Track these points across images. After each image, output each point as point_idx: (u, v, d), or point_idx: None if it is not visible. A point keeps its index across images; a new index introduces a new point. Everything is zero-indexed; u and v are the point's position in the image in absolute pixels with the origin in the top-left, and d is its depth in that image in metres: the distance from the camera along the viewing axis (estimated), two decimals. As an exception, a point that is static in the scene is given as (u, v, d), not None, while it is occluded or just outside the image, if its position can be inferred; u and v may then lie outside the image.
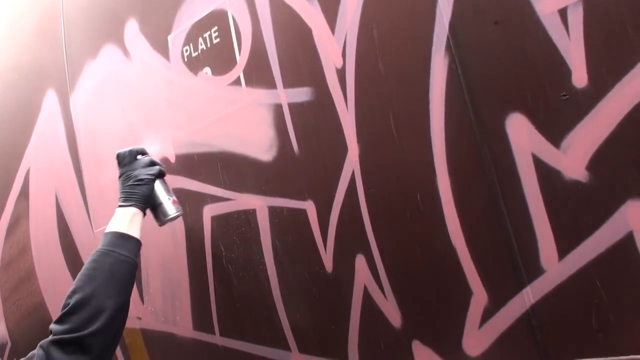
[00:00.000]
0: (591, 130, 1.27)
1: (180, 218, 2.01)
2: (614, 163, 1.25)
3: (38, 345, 1.33)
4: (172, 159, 2.18)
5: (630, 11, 1.22)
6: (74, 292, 1.40)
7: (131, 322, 2.29)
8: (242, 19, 1.93)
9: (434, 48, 1.50)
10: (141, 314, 2.38)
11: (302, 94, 1.78)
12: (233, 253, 2.01)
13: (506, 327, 1.42)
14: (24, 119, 2.99)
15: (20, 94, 3.05)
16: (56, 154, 2.75)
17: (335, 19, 1.69)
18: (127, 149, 1.73)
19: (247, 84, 1.92)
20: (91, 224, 2.59)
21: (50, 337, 1.32)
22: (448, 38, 1.47)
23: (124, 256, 1.47)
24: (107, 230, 1.54)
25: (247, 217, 1.96)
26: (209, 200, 2.06)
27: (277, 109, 1.84)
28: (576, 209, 1.30)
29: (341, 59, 1.68)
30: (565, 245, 1.32)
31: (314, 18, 1.74)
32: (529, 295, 1.38)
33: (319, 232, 1.76)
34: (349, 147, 1.67)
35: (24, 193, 2.99)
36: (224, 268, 2.05)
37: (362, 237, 1.66)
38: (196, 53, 2.08)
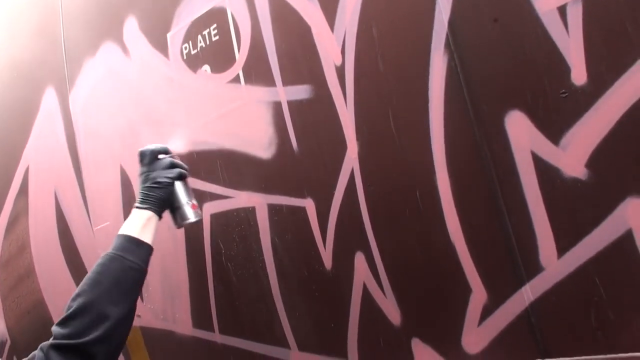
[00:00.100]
0: (590, 127, 1.27)
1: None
2: (613, 160, 1.25)
3: (39, 347, 1.32)
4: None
5: (630, 9, 1.21)
6: (78, 295, 1.38)
7: (131, 320, 2.28)
8: (241, 16, 1.93)
9: (433, 46, 1.50)
10: (141, 312, 2.38)
11: (301, 92, 1.78)
12: (232, 251, 2.01)
13: (505, 325, 1.42)
14: (23, 116, 2.99)
15: (20, 92, 3.05)
16: (55, 151, 2.75)
17: (334, 17, 1.68)
18: (149, 148, 1.67)
19: (246, 81, 1.92)
20: (90, 222, 2.59)
21: (51, 341, 1.31)
22: (447, 35, 1.47)
23: (132, 263, 1.43)
24: (120, 232, 1.51)
25: (247, 215, 1.96)
26: (209, 198, 2.06)
27: (277, 107, 1.84)
28: (575, 207, 1.30)
29: (340, 56, 1.68)
30: (564, 242, 1.32)
31: (313, 15, 1.74)
32: (528, 293, 1.38)
33: (319, 230, 1.76)
34: (348, 144, 1.67)
35: (23, 191, 2.99)
36: (224, 266, 2.05)
37: (362, 234, 1.66)
38: (195, 51, 2.08)
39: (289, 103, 1.81)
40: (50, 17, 2.81)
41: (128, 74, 2.36)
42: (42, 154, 2.88)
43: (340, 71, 1.68)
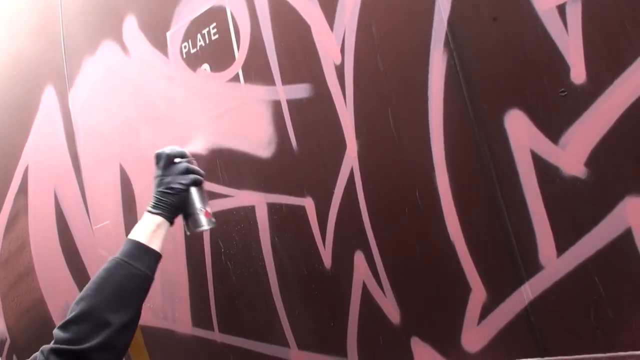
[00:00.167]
0: (590, 126, 1.27)
1: None
2: (612, 159, 1.25)
3: (40, 349, 1.32)
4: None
5: (629, 7, 1.21)
6: (81, 299, 1.37)
7: (130, 319, 2.28)
8: (241, 15, 1.92)
9: (432, 44, 1.50)
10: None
11: (300, 91, 1.78)
12: (232, 250, 2.01)
13: (505, 324, 1.43)
14: (22, 115, 2.98)
15: (19, 91, 3.04)
16: (55, 150, 2.75)
17: (334, 16, 1.68)
18: (165, 151, 1.59)
19: (245, 80, 1.92)
20: (90, 221, 2.59)
21: (52, 345, 1.31)
22: (447, 34, 1.47)
23: (138, 270, 1.40)
24: (129, 236, 1.49)
25: (246, 214, 1.96)
26: (208, 197, 2.06)
27: (276, 106, 1.84)
28: (575, 205, 1.30)
29: (340, 55, 1.68)
30: (564, 241, 1.32)
31: (312, 14, 1.74)
32: (528, 292, 1.38)
33: (318, 229, 1.76)
34: (347, 143, 1.67)
35: (23, 189, 2.99)
36: (223, 265, 2.05)
37: (361, 233, 1.66)
38: (195, 49, 2.08)
39: (289, 102, 1.81)
40: (49, 16, 2.81)
41: (127, 72, 2.36)
42: (41, 153, 2.88)
43: (340, 70, 1.68)
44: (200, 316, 2.18)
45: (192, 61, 2.09)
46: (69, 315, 1.34)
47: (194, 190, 1.59)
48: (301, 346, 1.86)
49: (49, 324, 2.86)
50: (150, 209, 1.51)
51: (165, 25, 2.18)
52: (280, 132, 1.83)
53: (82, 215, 2.63)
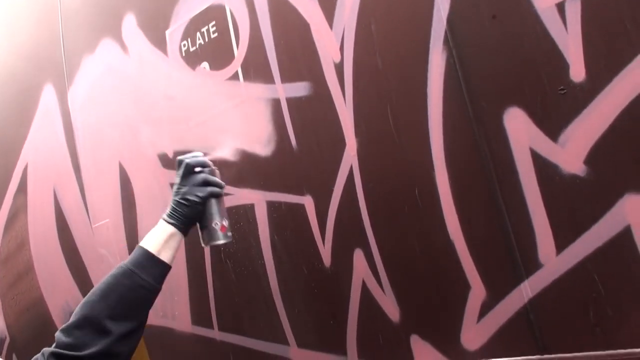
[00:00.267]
0: (589, 124, 1.27)
1: None
2: (611, 157, 1.25)
3: (41, 351, 1.32)
4: (171, 154, 2.18)
5: (628, 5, 1.22)
6: (85, 303, 1.36)
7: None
8: (240, 13, 1.92)
9: (431, 42, 1.50)
10: (140, 309, 2.38)
11: (300, 89, 1.78)
12: (231, 248, 2.01)
13: (504, 321, 1.43)
14: (21, 113, 2.98)
15: (18, 89, 3.04)
16: (54, 148, 2.75)
17: (333, 14, 1.68)
18: (186, 158, 1.52)
19: (245, 78, 1.92)
20: (89, 219, 2.59)
21: (53, 348, 1.31)
22: (446, 32, 1.47)
23: (144, 281, 1.38)
24: (141, 243, 1.46)
25: (246, 212, 1.96)
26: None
27: (275, 104, 1.84)
28: (574, 203, 1.30)
29: (339, 53, 1.68)
30: (563, 239, 1.32)
31: (311, 12, 1.74)
32: (527, 290, 1.38)
33: (317, 227, 1.76)
34: (347, 141, 1.67)
35: (22, 188, 2.99)
36: (223, 263, 2.05)
37: (361, 231, 1.66)
38: (194, 48, 2.08)
39: (288, 100, 1.81)
40: (49, 14, 2.81)
41: (127, 71, 2.36)
42: (40, 151, 2.87)
43: (339, 68, 1.68)
44: (199, 314, 2.18)
45: (192, 59, 2.09)
46: (72, 318, 1.34)
47: (211, 203, 1.52)
48: (301, 344, 1.86)
49: (48, 322, 2.86)
50: (165, 217, 1.47)
51: (165, 23, 2.18)
52: (280, 131, 1.83)
53: (81, 213, 2.63)
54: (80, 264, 2.66)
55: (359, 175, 1.65)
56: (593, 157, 1.27)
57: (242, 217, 1.97)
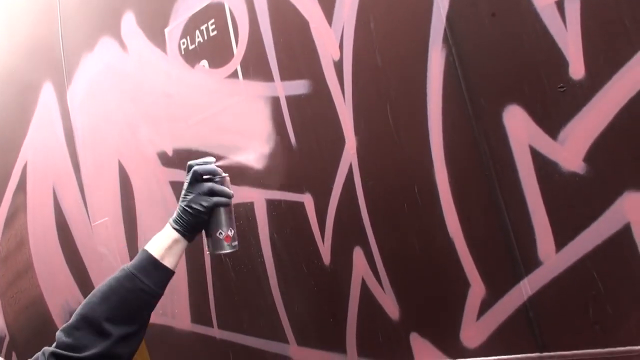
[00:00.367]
0: (588, 122, 1.27)
1: None
2: (611, 155, 1.25)
3: (42, 350, 1.32)
4: (170, 152, 2.18)
5: (628, 3, 1.21)
6: (86, 304, 1.36)
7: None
8: (239, 11, 1.92)
9: (431, 40, 1.49)
10: (139, 307, 2.38)
11: (299, 87, 1.77)
12: (231, 246, 2.01)
13: (504, 319, 1.43)
14: (21, 112, 2.98)
15: (17, 87, 3.04)
16: (53, 147, 2.75)
17: (332, 11, 1.68)
18: (196, 165, 1.49)
19: (244, 76, 1.92)
20: (89, 218, 2.59)
21: (53, 348, 1.31)
22: (445, 30, 1.47)
23: (146, 286, 1.37)
24: (146, 247, 1.46)
25: (245, 210, 1.96)
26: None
27: (275, 102, 1.84)
28: (573, 201, 1.30)
29: (338, 51, 1.68)
30: (562, 237, 1.32)
31: (311, 10, 1.73)
32: (527, 287, 1.38)
33: (317, 225, 1.76)
34: (346, 139, 1.67)
35: (22, 186, 2.99)
36: (222, 261, 2.05)
37: (360, 229, 1.66)
38: (193, 46, 2.08)
39: (287, 98, 1.81)
40: (48, 12, 2.81)
41: (126, 69, 2.36)
42: (40, 150, 2.87)
43: (339, 66, 1.68)
44: (199, 312, 2.18)
45: (191, 57, 2.09)
46: (73, 319, 1.34)
47: (219, 211, 1.49)
48: (300, 342, 1.86)
49: (48, 320, 2.86)
50: (171, 221, 1.46)
51: (164, 21, 2.17)
52: (279, 129, 1.83)
53: (80, 212, 2.63)
54: (80, 262, 2.66)
55: (359, 173, 1.65)
56: (592, 155, 1.27)
57: (241, 215, 1.97)
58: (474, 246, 1.46)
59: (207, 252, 1.54)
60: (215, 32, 2.00)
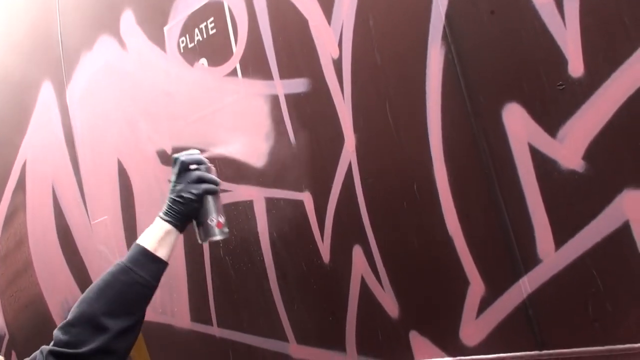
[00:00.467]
0: (587, 119, 1.27)
1: None
2: (610, 153, 1.25)
3: (40, 349, 1.32)
4: (169, 151, 2.18)
5: (627, 1, 1.21)
6: (82, 301, 1.37)
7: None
8: (238, 9, 1.92)
9: (430, 38, 1.49)
10: (139, 306, 2.38)
11: (298, 85, 1.77)
12: (230, 244, 2.01)
13: (503, 317, 1.43)
14: (20, 110, 2.98)
15: (16, 86, 3.04)
16: (53, 145, 2.75)
17: (331, 10, 1.68)
18: (182, 156, 1.53)
19: (243, 75, 1.92)
20: (88, 216, 2.59)
21: (51, 346, 1.31)
22: (444, 28, 1.47)
23: (141, 278, 1.38)
24: (138, 241, 1.47)
25: (244, 209, 1.96)
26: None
27: (274, 100, 1.84)
28: (573, 199, 1.30)
29: (338, 49, 1.68)
30: (562, 235, 1.32)
31: (310, 8, 1.73)
32: (526, 285, 1.38)
33: (316, 223, 1.76)
34: (345, 137, 1.67)
35: (21, 185, 2.99)
36: (222, 259, 2.05)
37: (359, 228, 1.66)
38: (192, 44, 2.08)
39: (287, 96, 1.81)
40: (47, 11, 2.80)
41: (125, 67, 2.36)
42: (39, 148, 2.87)
43: (338, 64, 1.68)
44: (198, 311, 2.18)
45: (190, 56, 2.09)
46: (69, 316, 1.34)
47: (207, 199, 1.53)
48: (300, 341, 1.86)
49: (47, 319, 2.86)
50: (161, 214, 1.48)
51: (163, 19, 2.17)
52: (278, 127, 1.83)
53: (80, 210, 2.63)
54: (79, 261, 2.66)
55: (358, 171, 1.65)
56: (592, 153, 1.27)
57: (240, 213, 1.97)
58: (473, 244, 1.46)
59: (199, 242, 1.56)
60: (214, 31, 2.00)
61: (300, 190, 1.79)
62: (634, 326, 1.25)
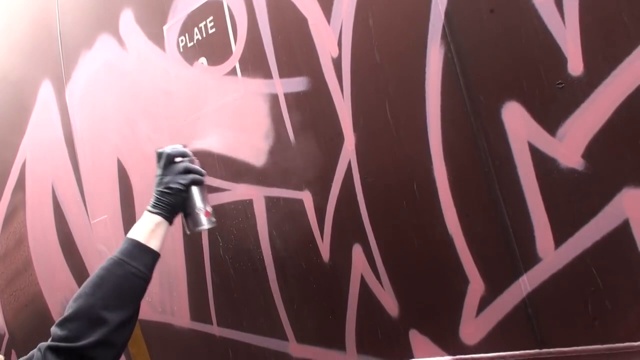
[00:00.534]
0: (587, 118, 1.27)
1: None
2: (610, 151, 1.25)
3: (37, 346, 1.32)
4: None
5: (626, -1, 1.22)
6: (78, 296, 1.37)
7: (129, 313, 2.29)
8: (238, 8, 1.92)
9: (429, 36, 1.49)
10: (139, 305, 2.38)
11: (298, 84, 1.77)
12: (230, 243, 2.01)
13: (503, 316, 1.43)
14: (19, 110, 2.98)
15: (16, 85, 3.04)
16: (52, 144, 2.74)
17: (330, 8, 1.68)
18: (165, 150, 1.56)
19: (243, 74, 1.92)
20: (88, 215, 2.59)
21: (49, 342, 1.31)
22: (444, 26, 1.47)
23: (135, 269, 1.39)
24: (128, 235, 1.49)
25: (244, 208, 1.96)
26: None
27: (273, 99, 1.84)
28: (572, 197, 1.30)
29: (337, 48, 1.67)
30: (561, 233, 1.32)
31: (309, 7, 1.73)
32: (526, 284, 1.38)
33: (316, 222, 1.76)
34: (345, 136, 1.67)
35: (20, 184, 2.99)
36: (221, 258, 2.05)
37: (359, 226, 1.66)
38: (192, 43, 2.08)
39: (286, 95, 1.80)
40: (46, 10, 2.80)
41: (124, 66, 2.36)
42: (38, 147, 2.87)
43: (337, 63, 1.67)
44: (198, 310, 2.18)
45: (189, 55, 2.09)
46: (66, 313, 1.34)
47: (194, 190, 1.56)
48: (300, 339, 1.86)
49: (47, 318, 2.86)
50: (149, 208, 1.50)
51: (162, 18, 2.17)
52: (278, 126, 1.83)
53: (79, 209, 2.63)
54: (79, 260, 2.66)
55: (357, 170, 1.65)
56: (591, 151, 1.27)
57: (240, 212, 1.97)
58: (473, 243, 1.46)
59: (187, 233, 1.59)
60: (213, 30, 2.00)
61: (300, 189, 1.79)
62: (633, 324, 1.25)
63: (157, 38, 2.20)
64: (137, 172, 2.35)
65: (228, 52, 1.95)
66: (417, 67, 1.51)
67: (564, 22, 1.29)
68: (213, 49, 2.01)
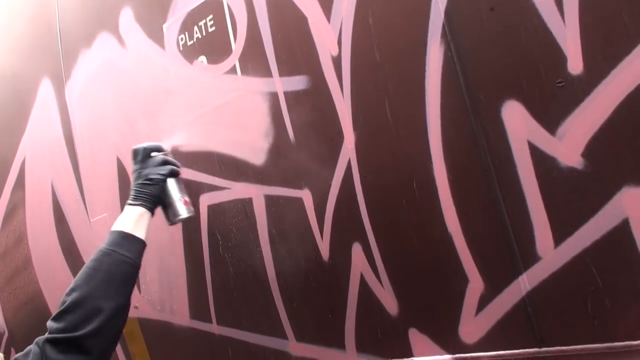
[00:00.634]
0: (587, 117, 1.27)
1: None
2: (609, 150, 1.25)
3: (34, 341, 1.32)
4: (168, 148, 2.18)
5: (626, -2, 1.22)
6: (72, 289, 1.39)
7: (128, 311, 2.29)
8: (238, 7, 1.92)
9: (429, 35, 1.49)
10: (138, 303, 2.38)
11: (298, 83, 1.77)
12: (230, 242, 2.01)
13: (502, 315, 1.43)
14: (19, 108, 2.97)
15: (15, 83, 3.03)
16: (52, 143, 2.74)
17: (330, 7, 1.68)
18: (142, 145, 1.63)
19: (242, 72, 1.92)
20: (87, 213, 2.58)
21: (46, 335, 1.32)
22: (444, 25, 1.47)
23: (126, 257, 1.43)
24: (112, 229, 1.51)
25: (244, 206, 1.96)
26: (205, 189, 2.06)
27: (273, 98, 1.84)
28: (572, 196, 1.30)
29: (337, 46, 1.67)
30: (561, 232, 1.32)
31: (309, 6, 1.73)
32: (525, 283, 1.38)
33: (316, 221, 1.76)
34: (345, 135, 1.67)
35: (20, 182, 2.99)
36: (221, 257, 2.05)
37: (359, 225, 1.66)
38: (191, 42, 2.07)
39: (286, 94, 1.80)
40: (46, 8, 2.80)
41: (124, 65, 2.35)
42: (38, 146, 2.87)
43: (337, 62, 1.67)
44: (198, 308, 2.18)
45: (189, 53, 2.09)
46: (61, 307, 1.35)
47: (171, 181, 1.62)
48: (299, 338, 1.86)
49: (47, 316, 2.82)
50: (130, 201, 1.55)
51: (162, 17, 2.17)
52: (278, 124, 1.83)
53: (79, 208, 2.62)
54: (79, 258, 2.66)
55: (357, 169, 1.65)
56: (591, 150, 1.27)
57: (240, 211, 1.97)
58: (472, 242, 1.46)
59: (168, 225, 1.65)
60: (213, 28, 2.00)
61: (299, 187, 1.79)
62: (633, 323, 1.25)
63: (157, 36, 2.20)
64: (137, 171, 2.35)
65: (228, 51, 1.95)
66: (417, 66, 1.51)
67: (564, 21, 1.29)
68: (213, 48, 2.01)
